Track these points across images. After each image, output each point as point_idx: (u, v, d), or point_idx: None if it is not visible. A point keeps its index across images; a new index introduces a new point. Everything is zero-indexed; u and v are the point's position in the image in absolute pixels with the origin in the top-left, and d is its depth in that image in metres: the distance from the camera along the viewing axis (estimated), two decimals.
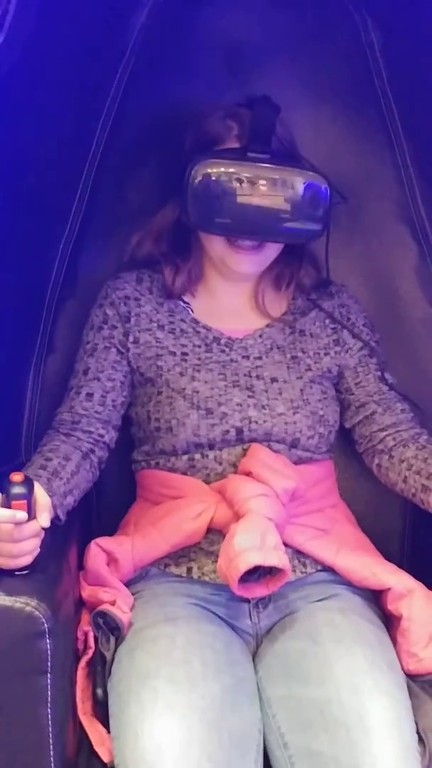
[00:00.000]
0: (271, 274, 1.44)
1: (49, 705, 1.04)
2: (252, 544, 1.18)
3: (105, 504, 1.50)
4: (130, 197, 1.54)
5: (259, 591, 1.21)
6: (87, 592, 1.27)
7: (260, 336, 1.42)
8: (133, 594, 1.28)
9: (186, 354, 1.38)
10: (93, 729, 1.17)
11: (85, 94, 1.45)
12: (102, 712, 1.17)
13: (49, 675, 1.04)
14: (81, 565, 1.31)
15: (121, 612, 1.22)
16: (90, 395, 1.39)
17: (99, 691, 1.18)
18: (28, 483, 1.08)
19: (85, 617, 1.25)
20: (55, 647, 1.04)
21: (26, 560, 1.10)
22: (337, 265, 1.48)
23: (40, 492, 1.12)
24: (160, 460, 1.37)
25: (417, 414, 1.45)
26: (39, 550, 1.12)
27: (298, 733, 1.11)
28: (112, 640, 1.21)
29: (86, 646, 1.23)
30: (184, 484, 1.34)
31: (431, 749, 1.15)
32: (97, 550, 1.29)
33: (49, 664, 1.03)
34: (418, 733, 1.14)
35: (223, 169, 1.31)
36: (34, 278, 1.49)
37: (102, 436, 1.39)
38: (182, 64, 1.49)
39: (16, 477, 1.08)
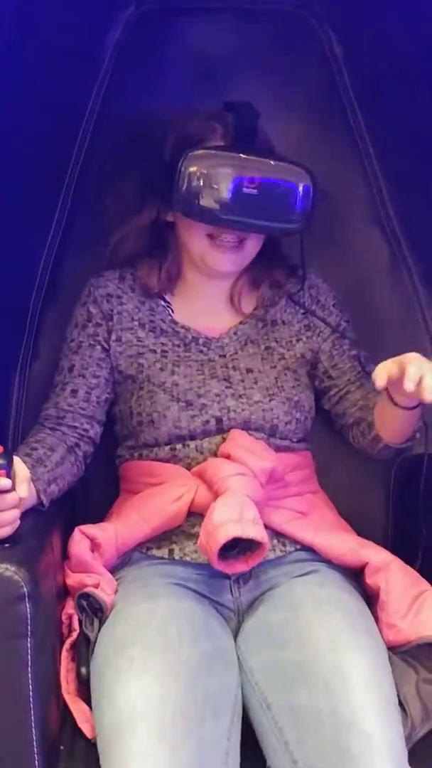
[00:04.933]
0: (248, 275, 1.48)
1: (30, 670, 1.05)
2: (230, 518, 1.20)
3: (89, 503, 1.53)
4: (110, 206, 1.59)
5: (239, 567, 1.23)
6: (71, 579, 1.29)
7: (235, 333, 1.46)
8: (116, 579, 1.30)
9: (166, 352, 1.43)
10: (77, 708, 1.19)
11: (64, 107, 1.52)
12: (86, 692, 1.19)
13: (29, 639, 1.05)
14: (65, 556, 1.33)
15: (104, 594, 1.24)
16: (75, 392, 1.43)
17: (83, 670, 1.20)
18: (6, 455, 1.11)
19: (70, 603, 1.28)
20: (36, 612, 1.06)
21: (6, 531, 1.12)
22: (309, 271, 1.53)
23: (19, 465, 1.15)
24: (143, 451, 1.41)
25: None
26: (19, 522, 1.14)
27: (279, 692, 1.12)
28: (96, 621, 1.23)
29: (71, 630, 1.25)
30: (166, 471, 1.37)
31: (413, 716, 1.17)
32: (80, 536, 1.31)
33: (29, 627, 1.05)
34: (399, 700, 1.15)
35: (215, 158, 1.35)
36: (17, 285, 1.55)
37: (87, 431, 1.43)
38: (156, 77, 1.56)
39: None
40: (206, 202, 1.34)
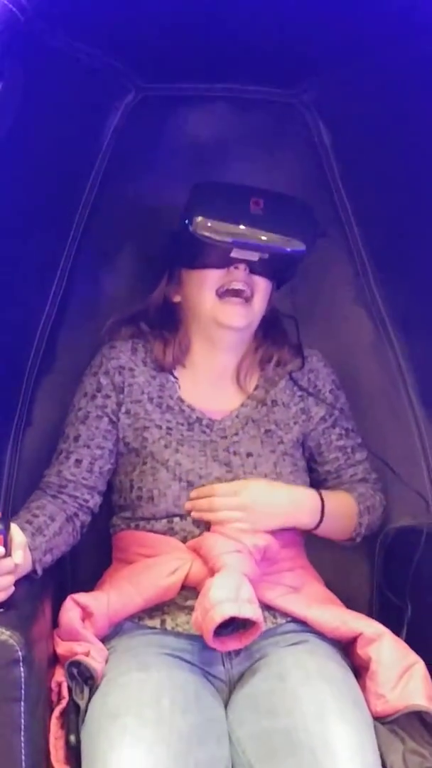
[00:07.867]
0: (255, 354, 1.53)
1: (22, 733, 1.06)
2: (227, 597, 1.22)
3: (79, 568, 1.54)
4: (106, 283, 1.66)
5: (232, 644, 1.25)
6: (61, 647, 1.29)
7: (237, 416, 1.49)
8: (107, 648, 1.30)
9: (170, 429, 1.45)
10: None
11: (63, 187, 1.57)
12: (75, 760, 1.18)
13: (22, 703, 1.06)
14: (55, 623, 1.34)
15: (95, 662, 1.25)
16: (79, 462, 1.45)
17: (72, 738, 1.19)
18: (3, 520, 1.13)
19: (59, 670, 1.27)
20: (29, 676, 1.07)
21: (0, 597, 1.14)
22: (309, 353, 1.58)
23: (15, 530, 1.17)
24: (140, 523, 1.42)
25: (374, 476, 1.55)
26: (13, 588, 1.15)
27: (266, 762, 1.13)
28: (86, 689, 1.23)
29: (60, 697, 1.24)
30: (161, 543, 1.39)
31: None
32: (71, 605, 1.32)
33: (23, 691, 1.06)
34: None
35: (221, 186, 1.48)
36: (13, 354, 1.57)
37: (87, 501, 1.44)
38: (153, 161, 1.63)
39: None
40: (216, 225, 1.39)
